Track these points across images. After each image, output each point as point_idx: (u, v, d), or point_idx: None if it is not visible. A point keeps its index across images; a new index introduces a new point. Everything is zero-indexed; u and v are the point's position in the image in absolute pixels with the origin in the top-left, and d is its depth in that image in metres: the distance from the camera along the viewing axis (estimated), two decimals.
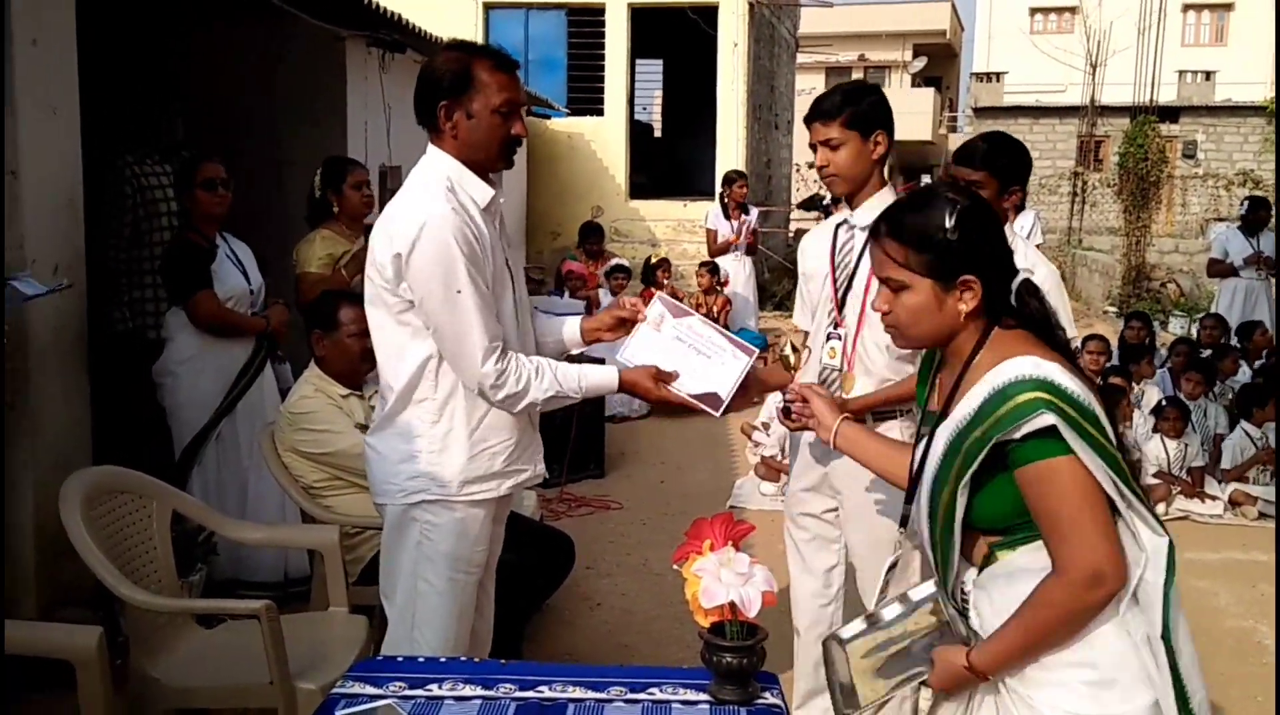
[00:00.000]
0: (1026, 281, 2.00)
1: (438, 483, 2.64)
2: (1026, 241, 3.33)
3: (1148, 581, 1.83)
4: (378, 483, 2.73)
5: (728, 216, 9.87)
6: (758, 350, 2.72)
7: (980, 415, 1.86)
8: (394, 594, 2.75)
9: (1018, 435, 1.81)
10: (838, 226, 3.10)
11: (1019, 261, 3.11)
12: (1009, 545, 1.93)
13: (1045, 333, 1.95)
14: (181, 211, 4.60)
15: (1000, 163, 3.19)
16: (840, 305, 3.02)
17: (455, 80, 2.56)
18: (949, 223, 1.92)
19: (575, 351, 2.96)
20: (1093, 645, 1.84)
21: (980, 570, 1.97)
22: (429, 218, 2.49)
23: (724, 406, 2.60)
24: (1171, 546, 1.85)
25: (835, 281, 3.05)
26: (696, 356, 2.69)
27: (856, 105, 2.95)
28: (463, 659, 2.37)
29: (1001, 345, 1.93)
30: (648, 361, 2.72)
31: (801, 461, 3.23)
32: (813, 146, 3.00)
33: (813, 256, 3.18)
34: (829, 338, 3.03)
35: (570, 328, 2.93)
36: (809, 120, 2.99)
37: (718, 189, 10.81)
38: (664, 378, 2.68)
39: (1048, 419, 1.78)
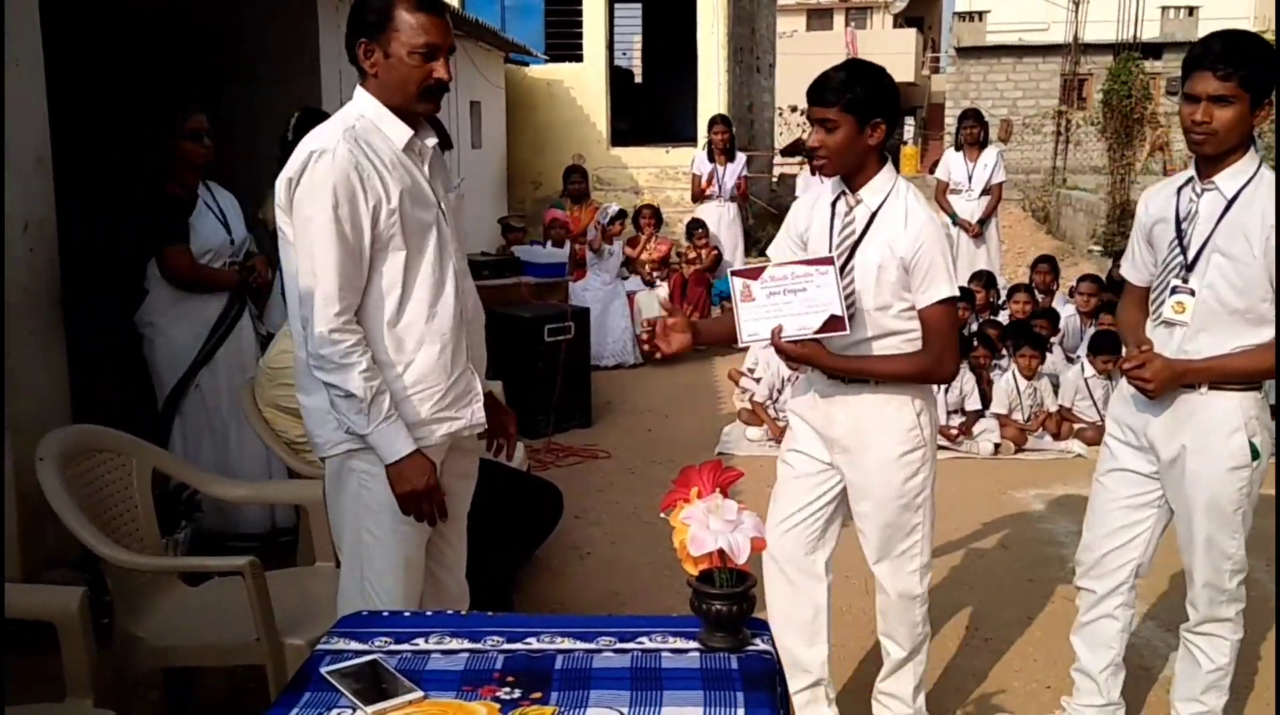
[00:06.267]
0: None
1: None
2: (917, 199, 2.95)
3: None
4: (312, 436, 2.65)
5: (713, 161, 9.77)
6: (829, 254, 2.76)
7: None
8: (342, 545, 2.70)
9: None
10: (1180, 188, 3.02)
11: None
12: None
13: None
14: (161, 161, 4.52)
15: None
16: (1190, 266, 2.95)
17: (376, 19, 2.48)
18: None
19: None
20: None
21: None
22: (318, 151, 2.43)
23: (845, 318, 2.63)
24: None
25: (1184, 241, 2.98)
26: (795, 297, 2.72)
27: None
28: (450, 612, 2.33)
29: None
30: (764, 331, 2.73)
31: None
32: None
33: (1156, 215, 3.09)
34: (1174, 291, 2.98)
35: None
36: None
37: (700, 135, 10.69)
38: None
39: None
